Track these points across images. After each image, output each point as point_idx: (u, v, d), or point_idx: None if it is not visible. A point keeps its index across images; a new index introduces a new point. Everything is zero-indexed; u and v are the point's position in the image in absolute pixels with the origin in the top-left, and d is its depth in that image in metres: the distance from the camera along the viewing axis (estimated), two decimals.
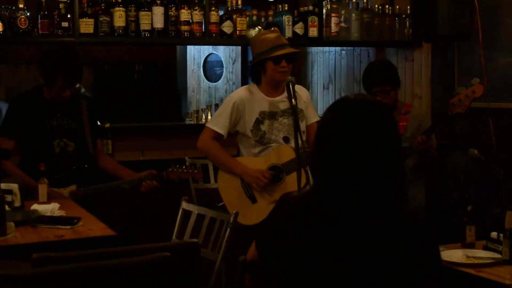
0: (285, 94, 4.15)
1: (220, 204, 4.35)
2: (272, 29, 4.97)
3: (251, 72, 4.34)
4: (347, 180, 1.96)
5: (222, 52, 8.44)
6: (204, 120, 6.05)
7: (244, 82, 8.07)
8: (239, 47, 8.07)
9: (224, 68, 8.50)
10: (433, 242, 2.01)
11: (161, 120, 6.56)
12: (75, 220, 3.37)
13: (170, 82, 8.43)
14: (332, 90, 7.18)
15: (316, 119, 4.35)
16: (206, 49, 8.56)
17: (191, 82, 8.57)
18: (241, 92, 4.30)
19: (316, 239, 1.97)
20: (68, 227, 3.31)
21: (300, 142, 3.92)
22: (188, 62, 8.57)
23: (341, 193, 1.96)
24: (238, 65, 8.19)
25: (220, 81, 8.47)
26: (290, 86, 4.02)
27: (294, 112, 3.92)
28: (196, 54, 8.62)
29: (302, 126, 4.23)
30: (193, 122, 6.10)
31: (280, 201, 2.19)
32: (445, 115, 4.20)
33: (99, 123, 5.03)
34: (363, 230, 1.95)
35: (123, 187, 4.29)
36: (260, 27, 5.74)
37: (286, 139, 4.21)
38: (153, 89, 8.13)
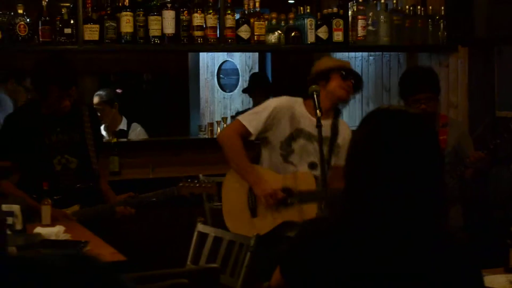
0: (330, 121, 4.23)
1: (217, 204, 4.34)
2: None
3: (305, 85, 4.34)
4: (385, 202, 1.95)
5: (238, 59, 8.48)
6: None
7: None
8: (256, 54, 8.11)
9: (240, 77, 8.55)
10: (475, 267, 2.02)
11: (172, 134, 6.60)
12: (82, 244, 3.40)
13: (182, 93, 8.47)
14: (359, 100, 7.19)
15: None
16: (220, 56, 8.60)
17: (204, 92, 8.61)
18: (284, 100, 4.37)
19: (347, 264, 1.98)
20: (75, 251, 3.34)
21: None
22: (201, 71, 8.61)
23: (377, 216, 1.97)
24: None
25: (235, 91, 8.51)
26: (315, 96, 4.04)
27: (319, 126, 3.93)
28: (209, 61, 8.66)
29: (334, 160, 4.28)
30: (207, 136, 6.13)
31: (307, 224, 2.20)
32: (509, 132, 4.20)
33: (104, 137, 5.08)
34: (399, 255, 1.95)
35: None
36: (280, 32, 5.77)
37: (312, 166, 4.24)
38: (163, 100, 8.19)
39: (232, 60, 8.56)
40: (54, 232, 3.60)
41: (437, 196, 2.00)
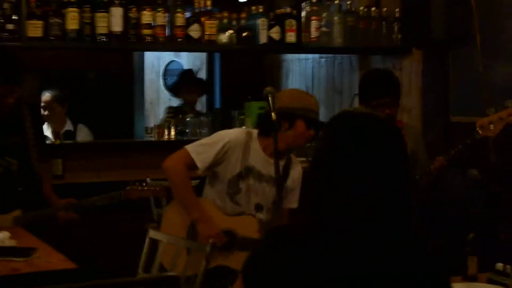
0: (283, 161, 4.14)
1: (152, 225, 4.30)
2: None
3: (262, 120, 4.27)
4: (356, 211, 1.93)
5: (185, 59, 8.43)
6: (167, 137, 6.03)
7: (210, 94, 8.07)
8: (205, 54, 8.08)
9: None
10: (445, 276, 2.03)
11: (116, 136, 6.53)
12: (31, 251, 3.34)
13: (126, 93, 8.40)
14: None
15: (294, 206, 4.28)
16: (166, 56, 8.54)
17: (149, 93, 8.55)
18: (239, 134, 4.24)
19: (315, 272, 1.97)
20: (23, 259, 3.27)
21: (269, 217, 4.07)
22: (146, 71, 8.55)
23: (342, 223, 1.95)
24: (203, 75, 8.18)
25: None
26: (270, 98, 3.99)
27: (274, 129, 3.84)
28: (155, 61, 8.60)
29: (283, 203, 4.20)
30: (154, 139, 6.07)
31: (271, 233, 2.16)
32: (472, 138, 4.24)
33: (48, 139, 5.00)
34: (366, 263, 1.95)
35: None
36: (232, 31, 5.75)
37: (258, 207, 4.18)
38: (106, 100, 8.10)
39: (179, 60, 8.51)
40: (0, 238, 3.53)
41: (405, 201, 1.99)
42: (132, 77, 8.46)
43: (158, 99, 8.65)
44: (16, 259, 3.29)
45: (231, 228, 4.14)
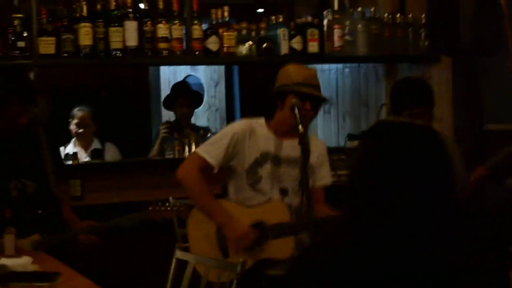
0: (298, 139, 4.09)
1: (184, 245, 4.33)
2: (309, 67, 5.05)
3: (266, 104, 4.34)
4: (392, 224, 1.93)
5: (203, 73, 8.47)
6: (187, 154, 6.06)
7: (229, 108, 8.10)
8: (222, 67, 8.11)
9: (205, 92, 8.52)
10: None
11: (132, 155, 6.56)
12: (54, 276, 3.36)
13: (142, 110, 8.44)
14: (335, 115, 7.22)
15: (327, 181, 4.35)
16: (183, 70, 8.57)
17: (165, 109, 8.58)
18: (246, 123, 4.31)
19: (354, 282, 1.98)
20: (47, 284, 3.29)
21: (298, 200, 4.08)
22: (162, 86, 8.57)
23: (384, 239, 1.93)
24: (222, 88, 8.24)
25: (200, 107, 8.49)
26: (296, 110, 4.04)
27: (302, 142, 3.94)
28: (171, 76, 8.62)
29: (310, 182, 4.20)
30: (173, 157, 6.10)
31: (302, 253, 2.16)
32: None
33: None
34: (411, 282, 1.95)
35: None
36: (251, 42, 5.79)
37: (283, 192, 4.21)
38: (121, 118, 8.15)
39: (196, 74, 8.55)
40: (21, 263, 3.55)
41: (449, 211, 1.99)
42: (148, 93, 8.49)
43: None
44: (40, 284, 3.32)
45: (259, 220, 4.15)
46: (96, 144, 6.54)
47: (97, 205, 5.46)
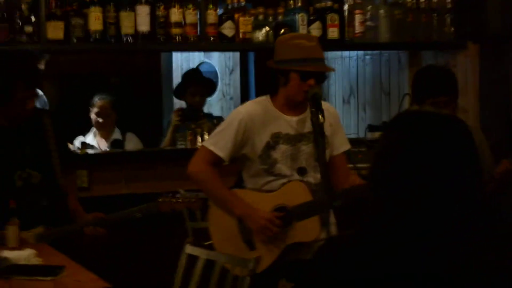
0: (308, 112, 4.08)
1: (208, 243, 4.33)
2: (311, 35, 5.01)
3: (268, 79, 4.31)
4: (420, 217, 1.92)
5: (217, 60, 8.47)
6: (199, 144, 6.04)
7: (244, 97, 8.08)
8: (237, 54, 8.10)
9: (219, 80, 8.54)
10: None
11: (144, 145, 6.56)
12: (58, 270, 3.36)
13: (154, 98, 8.44)
14: (355, 105, 7.21)
15: (346, 148, 4.32)
16: (196, 57, 8.58)
17: None
18: (250, 106, 4.23)
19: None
20: (50, 278, 3.30)
21: (318, 177, 4.02)
22: (175, 74, 8.58)
23: (409, 233, 1.93)
24: (237, 75, 8.23)
25: (214, 96, 8.50)
26: (316, 99, 4.01)
27: (321, 133, 3.91)
28: (184, 63, 8.63)
29: (326, 156, 4.15)
30: (185, 147, 6.10)
31: (325, 248, 2.16)
32: None
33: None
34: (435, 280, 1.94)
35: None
36: (268, 28, 5.78)
37: (301, 171, 4.15)
38: (132, 106, 8.15)
39: (209, 61, 8.56)
40: (25, 256, 3.56)
41: (477, 213, 1.98)
42: (160, 80, 8.49)
43: None
44: (43, 278, 3.32)
45: (280, 204, 4.12)
46: (116, 134, 6.54)
47: (104, 197, 5.49)
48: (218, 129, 4.25)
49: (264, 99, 4.24)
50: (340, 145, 4.29)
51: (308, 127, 4.10)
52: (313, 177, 4.14)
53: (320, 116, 3.91)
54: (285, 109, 4.18)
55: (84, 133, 6.53)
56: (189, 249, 3.83)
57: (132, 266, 5.40)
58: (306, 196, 4.07)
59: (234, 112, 4.29)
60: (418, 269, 1.92)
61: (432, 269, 1.91)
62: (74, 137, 6.34)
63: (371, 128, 6.55)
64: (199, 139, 6.03)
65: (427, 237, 1.92)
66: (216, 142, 4.15)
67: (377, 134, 6.28)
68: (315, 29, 5.84)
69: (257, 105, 4.23)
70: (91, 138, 6.51)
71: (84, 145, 6.24)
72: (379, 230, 1.98)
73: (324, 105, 4.18)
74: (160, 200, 4.26)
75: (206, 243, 4.32)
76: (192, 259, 3.80)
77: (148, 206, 4.28)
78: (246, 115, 4.14)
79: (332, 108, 4.41)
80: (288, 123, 4.17)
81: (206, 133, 6.01)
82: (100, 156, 6.00)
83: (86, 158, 5.65)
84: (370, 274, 1.95)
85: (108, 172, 5.73)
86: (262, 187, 4.19)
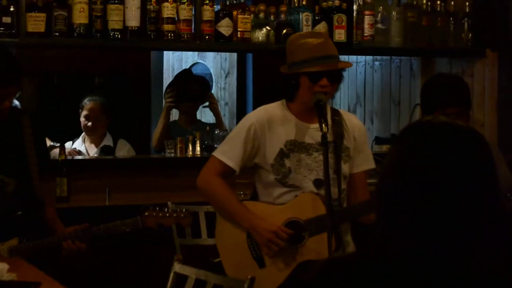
0: (329, 120, 4.11)
1: (217, 260, 4.32)
2: (320, 31, 5.00)
3: (281, 85, 4.28)
4: (434, 241, 1.92)
5: (212, 61, 8.48)
6: (191, 153, 6.03)
7: (240, 101, 8.07)
8: (235, 55, 8.10)
9: (214, 83, 8.53)
10: None
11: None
12: (33, 286, 3.34)
13: (142, 101, 8.44)
14: (361, 115, 7.20)
15: (368, 166, 4.32)
16: (189, 57, 8.59)
17: None
18: (262, 111, 4.25)
19: None
20: None
21: (335, 191, 3.99)
22: (165, 75, 8.60)
23: (419, 254, 1.93)
24: (233, 79, 8.22)
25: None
26: (321, 106, 4.00)
27: (324, 143, 3.90)
28: (176, 63, 8.64)
29: (345, 168, 4.20)
30: (174, 155, 6.08)
31: (325, 268, 2.15)
32: None
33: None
34: None
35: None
36: (269, 28, 5.76)
37: (317, 183, 4.14)
38: (118, 109, 8.14)
39: (204, 62, 8.56)
40: None
41: (494, 229, 1.97)
42: (149, 81, 8.49)
43: None
44: None
45: (291, 217, 4.13)
46: (108, 140, 6.51)
47: (85, 208, 5.43)
48: (229, 137, 4.32)
49: (280, 104, 4.27)
50: (361, 163, 4.31)
51: (328, 136, 4.04)
52: (331, 190, 4.08)
53: (323, 126, 3.90)
54: (303, 115, 4.19)
55: (70, 137, 6.51)
56: (178, 267, 3.80)
57: (115, 285, 5.37)
58: (319, 209, 4.07)
59: (245, 118, 4.33)
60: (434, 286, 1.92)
61: (447, 283, 1.91)
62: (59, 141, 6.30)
63: (378, 140, 6.54)
64: (190, 147, 6.01)
65: (441, 257, 1.91)
66: (226, 151, 4.21)
67: (384, 147, 6.27)
68: (321, 31, 5.82)
69: (271, 109, 4.25)
70: (79, 143, 6.48)
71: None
72: (386, 251, 1.97)
73: (350, 118, 4.31)
74: (146, 214, 4.24)
75: (215, 260, 4.33)
76: (181, 278, 3.77)
77: (133, 220, 4.26)
78: (257, 121, 4.18)
79: (358, 122, 4.44)
80: (304, 130, 4.18)
81: (198, 141, 6.00)
82: (81, 163, 5.96)
83: (65, 165, 5.60)
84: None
85: (90, 181, 5.69)
86: (276, 200, 4.21)
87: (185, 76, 6.82)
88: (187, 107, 6.54)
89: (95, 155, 6.38)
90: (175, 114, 6.86)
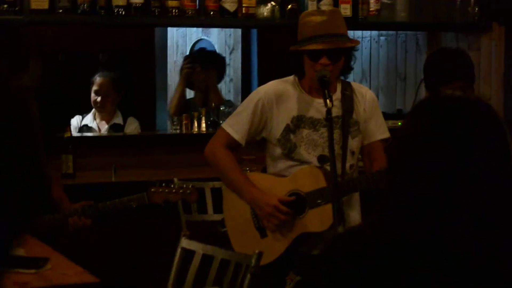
0: (338, 95, 4.17)
1: (224, 230, 4.38)
2: (330, 9, 5.03)
3: (290, 63, 4.30)
4: (445, 214, 1.93)
5: (216, 37, 8.45)
6: (196, 129, 6.06)
7: (246, 79, 8.06)
8: (239, 31, 8.08)
9: None
10: None
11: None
12: (41, 262, 3.38)
13: (146, 78, 8.43)
14: None
15: (384, 135, 4.34)
16: (194, 34, 8.56)
17: (173, 78, 8.56)
18: (272, 86, 4.28)
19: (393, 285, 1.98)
20: (33, 271, 3.31)
21: (339, 167, 4.05)
22: (169, 51, 8.57)
23: (431, 232, 1.94)
24: (238, 55, 8.19)
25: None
26: (324, 82, 4.02)
27: (329, 119, 3.93)
28: (180, 40, 8.62)
29: (353, 144, 4.23)
30: (179, 131, 6.10)
31: (333, 245, 2.17)
32: None
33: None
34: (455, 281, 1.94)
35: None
36: (273, 3, 5.77)
37: (322, 159, 4.18)
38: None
39: (208, 38, 8.54)
40: None
41: (507, 210, 1.98)
42: (153, 59, 8.48)
43: None
44: (25, 271, 3.32)
45: (293, 189, 4.17)
46: (118, 118, 6.53)
47: (91, 184, 5.45)
48: (238, 109, 4.38)
49: (292, 78, 4.30)
50: (374, 132, 4.32)
51: (336, 111, 4.11)
52: (337, 166, 4.11)
53: (328, 101, 3.92)
54: (313, 91, 4.21)
55: (77, 114, 6.54)
56: (185, 243, 3.84)
57: (122, 261, 5.39)
58: (320, 182, 4.12)
59: (255, 92, 4.38)
60: (435, 262, 1.93)
61: (452, 267, 1.92)
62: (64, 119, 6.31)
63: (384, 116, 6.54)
64: (195, 123, 6.04)
65: (448, 234, 1.92)
66: (233, 124, 4.26)
67: (390, 123, 6.29)
68: (325, 5, 5.81)
69: (281, 84, 4.29)
70: (89, 119, 6.50)
71: (83, 127, 6.26)
72: (394, 222, 1.99)
73: (359, 89, 4.30)
74: (152, 190, 4.28)
75: (222, 230, 4.38)
76: (188, 253, 3.82)
77: (139, 196, 4.30)
78: (264, 96, 4.23)
79: (369, 92, 4.42)
80: (314, 106, 4.20)
81: (204, 118, 6.03)
82: (87, 140, 5.99)
83: (71, 142, 5.63)
84: (380, 269, 1.96)
85: (96, 157, 5.73)
86: (283, 172, 4.26)
87: (203, 49, 7.05)
88: (201, 78, 6.59)
89: (105, 133, 6.40)
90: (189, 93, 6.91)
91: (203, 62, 6.64)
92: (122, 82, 6.63)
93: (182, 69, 6.62)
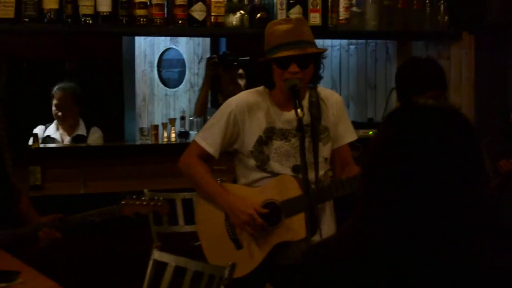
0: (306, 102, 4.20)
1: (197, 243, 4.39)
2: (296, 17, 5.06)
3: (259, 75, 4.31)
4: (422, 228, 1.95)
5: (185, 46, 8.45)
6: (166, 139, 6.05)
7: (214, 88, 8.07)
8: (208, 40, 8.10)
9: (187, 69, 8.53)
10: None
11: (104, 139, 6.54)
12: (13, 275, 3.35)
13: (114, 87, 8.42)
14: None
15: (350, 138, 4.37)
16: (162, 43, 8.56)
17: (141, 87, 8.57)
18: (243, 97, 4.30)
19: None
20: (4, 284, 3.28)
21: (312, 175, 4.07)
22: (137, 61, 8.56)
23: (404, 242, 1.96)
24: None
25: (181, 86, 8.50)
26: (295, 90, 4.03)
27: (300, 129, 3.95)
28: (148, 49, 8.61)
29: (325, 150, 4.26)
30: (150, 142, 6.10)
31: (309, 254, 2.18)
32: None
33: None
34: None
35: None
36: (243, 12, 5.78)
37: (296, 169, 4.19)
38: (90, 96, 8.14)
39: (176, 47, 8.54)
40: None
41: (481, 214, 2.01)
42: (121, 68, 8.47)
43: (152, 95, 8.71)
44: None
45: (268, 198, 4.19)
46: (80, 129, 6.54)
47: (59, 196, 5.45)
48: (210, 122, 4.37)
49: (262, 89, 4.30)
50: (342, 136, 4.35)
51: (305, 119, 4.10)
52: (309, 174, 4.13)
53: (299, 111, 3.94)
54: (282, 102, 4.22)
55: (42, 124, 6.51)
56: (157, 254, 3.84)
57: (94, 274, 5.38)
58: (295, 191, 4.13)
59: (226, 104, 4.35)
60: (412, 271, 1.94)
61: (429, 269, 1.94)
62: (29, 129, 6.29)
63: (354, 125, 6.57)
64: (164, 134, 6.04)
65: (424, 238, 1.94)
66: (206, 137, 4.27)
67: (361, 132, 6.31)
68: (295, 14, 5.82)
69: (252, 95, 4.30)
70: (52, 129, 6.49)
71: (46, 139, 6.24)
72: (370, 228, 2.00)
73: (326, 92, 4.32)
74: (123, 202, 4.28)
75: (195, 244, 4.39)
76: (160, 265, 3.81)
77: (109, 209, 4.29)
78: (236, 108, 4.24)
79: (335, 96, 4.44)
80: (283, 117, 4.22)
81: (173, 127, 6.04)
82: (55, 151, 5.97)
83: (39, 153, 5.61)
84: (357, 276, 1.98)
85: (65, 169, 5.71)
86: (256, 183, 4.27)
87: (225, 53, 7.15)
88: (227, 79, 6.64)
89: (69, 144, 6.37)
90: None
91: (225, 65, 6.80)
92: (81, 94, 6.62)
93: (206, 71, 6.79)
